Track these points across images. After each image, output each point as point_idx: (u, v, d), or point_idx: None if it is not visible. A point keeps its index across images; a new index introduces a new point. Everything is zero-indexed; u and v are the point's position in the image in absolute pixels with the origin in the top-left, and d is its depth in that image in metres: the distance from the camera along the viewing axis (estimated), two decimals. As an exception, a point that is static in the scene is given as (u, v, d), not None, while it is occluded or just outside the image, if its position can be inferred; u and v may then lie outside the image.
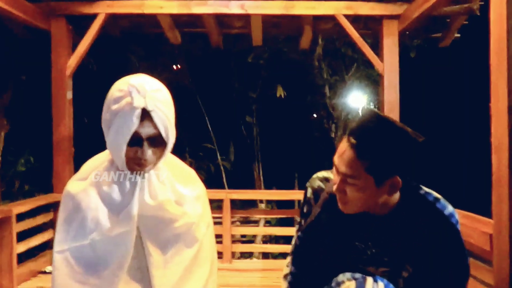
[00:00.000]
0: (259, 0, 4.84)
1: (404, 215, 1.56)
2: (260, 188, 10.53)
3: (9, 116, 7.68)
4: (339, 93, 11.12)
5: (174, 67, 9.51)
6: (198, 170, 10.64)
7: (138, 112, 1.39)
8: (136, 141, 1.43)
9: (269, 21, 5.28)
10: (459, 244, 1.58)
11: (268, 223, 8.49)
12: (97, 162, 1.59)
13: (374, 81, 10.33)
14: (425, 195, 1.61)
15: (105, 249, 1.48)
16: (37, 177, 8.20)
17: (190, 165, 10.92)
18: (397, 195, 1.57)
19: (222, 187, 9.89)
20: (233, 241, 5.08)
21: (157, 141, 1.47)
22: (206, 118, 10.07)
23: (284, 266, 1.83)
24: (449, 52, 5.95)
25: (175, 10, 4.89)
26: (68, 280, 1.47)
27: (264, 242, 7.96)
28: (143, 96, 1.41)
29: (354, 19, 4.91)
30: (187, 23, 5.49)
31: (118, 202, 1.50)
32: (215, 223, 5.70)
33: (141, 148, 1.45)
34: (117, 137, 1.42)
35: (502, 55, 2.45)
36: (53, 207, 4.90)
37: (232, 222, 5.18)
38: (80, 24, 5.07)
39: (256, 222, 8.14)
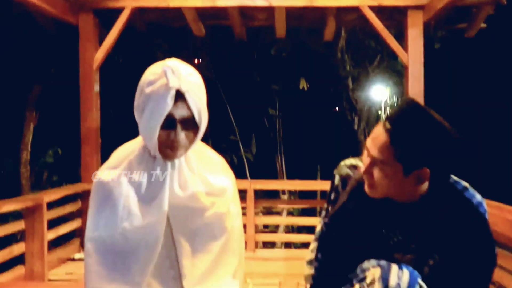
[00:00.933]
0: (283, -8, 4.86)
1: (433, 203, 1.57)
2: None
3: (38, 108, 7.86)
4: (362, 85, 11.05)
5: (196, 60, 9.58)
6: (222, 162, 10.70)
7: (172, 93, 1.40)
8: (169, 123, 1.44)
9: (293, 13, 5.30)
10: (487, 234, 1.58)
11: (291, 214, 8.53)
12: (128, 150, 1.60)
13: (397, 73, 10.23)
14: (454, 184, 1.62)
15: (136, 238, 1.49)
16: (65, 168, 8.38)
17: None
18: (425, 185, 1.57)
19: (245, 179, 9.95)
20: (256, 231, 5.15)
21: (190, 124, 1.47)
22: (229, 110, 10.11)
23: (308, 251, 1.86)
24: (474, 43, 5.89)
25: (199, 3, 4.95)
26: (99, 266, 1.50)
27: (287, 232, 8.01)
28: (178, 77, 1.42)
29: (379, 10, 4.90)
30: (211, 15, 5.55)
31: (149, 191, 1.52)
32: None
33: (174, 130, 1.45)
34: (150, 119, 1.42)
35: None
36: (81, 196, 5.04)
37: (255, 213, 5.24)
38: (107, 18, 5.18)
39: (278, 214, 8.19)
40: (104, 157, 4.24)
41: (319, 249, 1.77)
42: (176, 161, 1.55)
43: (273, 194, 8.75)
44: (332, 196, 1.77)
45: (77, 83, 5.12)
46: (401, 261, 1.61)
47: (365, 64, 10.79)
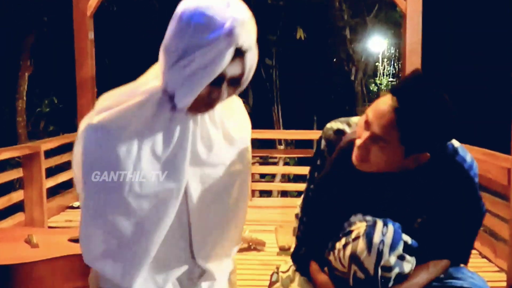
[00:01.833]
0: None
1: (423, 169, 1.54)
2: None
3: (32, 57, 7.77)
4: (360, 36, 10.93)
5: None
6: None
7: (233, 50, 1.21)
8: (216, 80, 1.25)
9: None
10: (476, 197, 1.59)
11: (287, 164, 8.61)
12: (137, 99, 1.30)
13: (396, 23, 10.09)
14: (444, 148, 1.57)
15: (145, 208, 1.31)
16: (61, 118, 8.37)
17: None
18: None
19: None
20: (253, 180, 5.21)
21: (237, 82, 1.31)
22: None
23: (297, 205, 1.87)
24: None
25: None
26: (103, 245, 1.34)
27: (283, 181, 8.12)
28: (246, 34, 1.23)
29: (378, -43, 4.78)
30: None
31: (166, 152, 1.32)
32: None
33: (219, 88, 1.28)
34: (198, 74, 1.22)
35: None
36: (79, 146, 5.04)
37: (252, 162, 5.28)
38: (100, -37, 5.03)
39: (275, 164, 8.27)
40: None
41: (304, 212, 1.75)
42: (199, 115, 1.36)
43: (270, 144, 8.82)
44: (318, 161, 1.71)
45: (71, 31, 5.04)
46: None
47: (363, 14, 10.64)
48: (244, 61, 1.26)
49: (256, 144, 6.36)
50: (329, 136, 1.66)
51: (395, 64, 17.93)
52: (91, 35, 5.06)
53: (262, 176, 7.75)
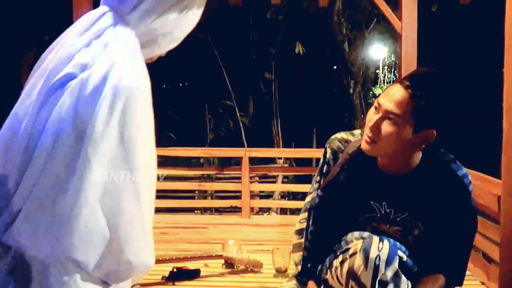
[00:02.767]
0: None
1: (421, 176, 1.66)
2: (278, 144, 10.66)
3: (33, 74, 7.84)
4: (359, 49, 11.01)
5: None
6: (217, 126, 10.79)
7: None
8: None
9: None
10: (469, 204, 1.69)
11: (286, 178, 8.66)
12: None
13: (394, 36, 10.18)
14: (442, 156, 1.71)
15: None
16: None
17: (209, 121, 10.89)
18: (419, 156, 1.67)
19: (241, 143, 10.03)
20: (252, 197, 5.26)
21: None
22: (225, 75, 10.12)
23: (297, 221, 1.95)
24: (469, 9, 5.87)
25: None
26: None
27: (282, 198, 8.15)
28: None
29: (374, -24, 4.83)
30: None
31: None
32: (235, 179, 5.84)
33: None
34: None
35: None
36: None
37: (251, 178, 5.33)
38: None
39: (274, 178, 8.31)
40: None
41: (312, 222, 1.85)
42: None
43: (269, 159, 8.87)
44: (324, 169, 1.85)
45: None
46: (388, 232, 1.70)
47: (361, 27, 10.72)
48: None
49: (255, 160, 6.42)
50: (334, 146, 1.82)
51: (396, 71, 18.00)
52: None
53: (261, 192, 7.81)
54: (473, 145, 10.53)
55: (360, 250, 1.58)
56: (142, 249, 1.18)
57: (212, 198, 7.69)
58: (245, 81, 10.71)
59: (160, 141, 10.39)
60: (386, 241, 1.58)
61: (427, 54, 6.31)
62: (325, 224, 1.81)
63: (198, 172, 6.87)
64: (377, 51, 11.80)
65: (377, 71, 13.44)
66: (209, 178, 7.17)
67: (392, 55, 13.05)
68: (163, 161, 6.56)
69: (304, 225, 1.90)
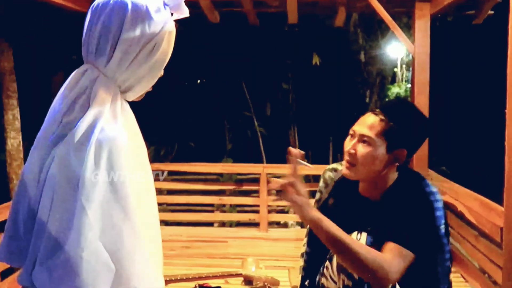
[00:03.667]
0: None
1: (393, 198, 1.79)
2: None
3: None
4: (374, 59, 11.15)
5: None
6: (236, 137, 11.01)
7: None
8: None
9: (305, 1, 5.44)
10: (432, 222, 1.74)
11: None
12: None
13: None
14: (414, 176, 1.86)
15: None
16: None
17: (228, 131, 11.03)
18: (394, 175, 1.83)
19: (259, 153, 10.27)
20: (269, 211, 5.46)
21: None
22: (245, 88, 10.36)
23: (301, 245, 2.17)
24: (482, 29, 6.00)
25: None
26: None
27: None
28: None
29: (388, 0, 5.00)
30: (225, 3, 5.71)
31: None
32: (253, 193, 5.96)
33: None
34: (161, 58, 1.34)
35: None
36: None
37: (268, 191, 5.52)
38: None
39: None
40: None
41: (307, 244, 2.06)
42: None
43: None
44: (317, 196, 2.07)
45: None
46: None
47: (377, 38, 10.86)
48: None
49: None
50: (325, 175, 2.06)
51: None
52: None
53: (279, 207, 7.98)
54: (486, 168, 10.54)
55: None
56: (148, 276, 1.29)
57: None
58: (263, 92, 10.92)
59: (181, 149, 10.65)
60: (364, 233, 1.75)
61: (440, 75, 6.44)
62: (317, 247, 1.95)
63: (217, 187, 7.07)
64: (395, 50, 11.84)
65: (395, 69, 13.46)
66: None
67: (411, 54, 13.05)
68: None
69: (305, 248, 2.13)
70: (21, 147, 6.61)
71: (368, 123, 1.79)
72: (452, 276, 1.93)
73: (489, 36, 9.14)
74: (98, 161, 1.21)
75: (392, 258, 1.63)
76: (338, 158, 10.38)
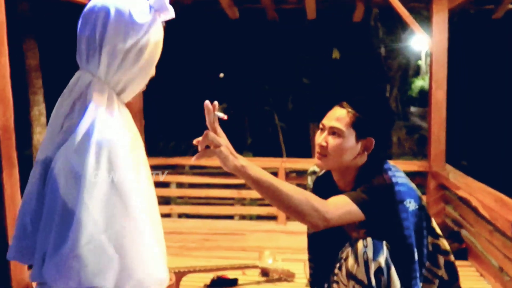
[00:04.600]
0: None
1: (361, 182, 1.89)
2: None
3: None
4: (395, 53, 11.09)
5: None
6: (257, 131, 11.09)
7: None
8: None
9: (323, -3, 5.47)
10: (395, 211, 1.82)
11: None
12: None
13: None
14: (381, 165, 1.93)
15: None
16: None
17: (250, 127, 11.07)
18: (364, 157, 1.93)
19: (279, 147, 10.33)
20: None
21: None
22: (264, 81, 10.43)
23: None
24: (502, 23, 5.95)
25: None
26: None
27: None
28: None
29: (406, -6, 4.98)
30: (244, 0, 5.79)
31: None
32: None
33: None
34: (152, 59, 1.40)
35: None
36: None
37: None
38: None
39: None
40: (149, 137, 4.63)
41: (308, 249, 2.22)
42: None
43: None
44: None
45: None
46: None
47: (397, 32, 10.81)
48: None
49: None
50: (308, 180, 2.20)
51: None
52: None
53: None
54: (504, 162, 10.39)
55: (350, 252, 1.83)
56: (151, 268, 1.35)
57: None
58: (283, 87, 10.96)
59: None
60: (369, 238, 1.80)
61: (458, 70, 6.39)
62: (318, 254, 2.12)
63: (237, 181, 7.15)
64: (419, 43, 11.69)
65: (419, 62, 13.32)
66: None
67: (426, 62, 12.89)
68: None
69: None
70: (46, 142, 6.78)
71: (336, 116, 1.90)
72: (467, 271, 1.96)
73: (509, 31, 9.04)
74: (98, 161, 1.27)
75: (329, 202, 1.76)
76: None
